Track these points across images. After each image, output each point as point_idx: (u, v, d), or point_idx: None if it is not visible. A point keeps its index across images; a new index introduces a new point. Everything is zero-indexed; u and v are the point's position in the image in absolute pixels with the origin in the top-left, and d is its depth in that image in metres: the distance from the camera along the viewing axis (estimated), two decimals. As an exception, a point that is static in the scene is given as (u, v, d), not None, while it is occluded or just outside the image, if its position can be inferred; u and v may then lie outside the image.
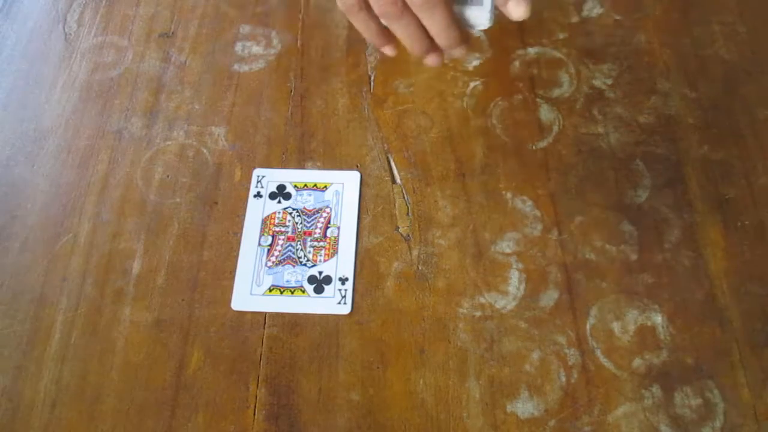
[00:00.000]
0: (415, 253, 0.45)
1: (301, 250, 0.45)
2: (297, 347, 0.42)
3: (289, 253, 0.45)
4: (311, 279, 0.44)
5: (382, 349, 0.42)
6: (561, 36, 0.54)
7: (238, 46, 0.55)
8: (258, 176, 0.48)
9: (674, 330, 0.42)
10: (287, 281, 0.44)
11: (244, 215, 0.47)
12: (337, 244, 0.45)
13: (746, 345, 0.42)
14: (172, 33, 0.56)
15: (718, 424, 0.39)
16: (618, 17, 0.55)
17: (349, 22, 0.55)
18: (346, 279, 0.44)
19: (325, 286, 0.44)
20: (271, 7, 0.57)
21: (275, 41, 0.55)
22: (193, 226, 0.47)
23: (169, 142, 0.50)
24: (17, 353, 0.42)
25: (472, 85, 0.52)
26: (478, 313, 0.43)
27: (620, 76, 0.52)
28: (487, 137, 0.50)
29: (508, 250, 0.45)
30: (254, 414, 0.40)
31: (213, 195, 0.48)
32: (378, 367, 0.42)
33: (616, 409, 0.40)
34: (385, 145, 0.50)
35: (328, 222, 0.46)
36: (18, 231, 0.47)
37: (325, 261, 0.45)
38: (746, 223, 0.46)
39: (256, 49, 0.54)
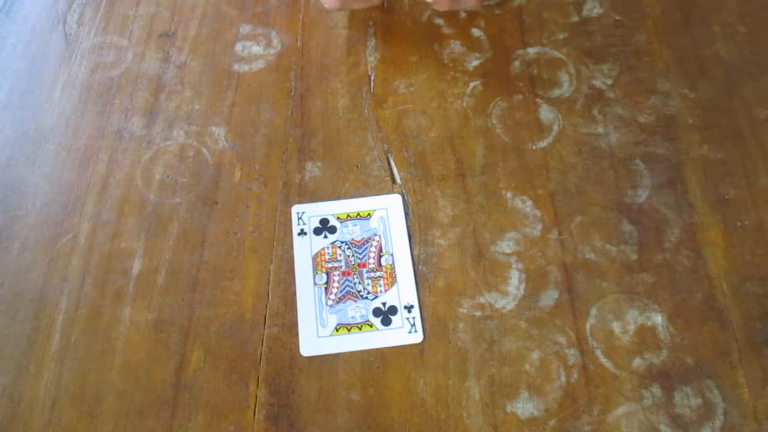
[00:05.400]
0: (415, 253, 0.45)
1: (359, 283, 0.44)
2: (297, 347, 0.42)
3: (348, 288, 0.44)
4: (376, 311, 0.43)
5: (382, 349, 0.42)
6: (561, 36, 0.54)
7: (238, 46, 0.55)
8: (298, 213, 0.46)
9: (674, 330, 0.42)
10: (352, 317, 0.43)
11: (245, 215, 0.47)
12: (395, 272, 0.44)
13: (746, 345, 0.42)
14: (172, 33, 0.56)
15: (718, 424, 0.39)
16: (618, 17, 0.55)
17: (349, 22, 0.56)
18: (412, 306, 0.43)
19: (392, 317, 0.43)
20: (271, 7, 0.57)
21: (275, 41, 0.55)
22: (193, 226, 0.47)
23: (169, 142, 0.50)
24: (17, 353, 0.42)
25: (472, 85, 0.52)
26: (478, 313, 0.43)
27: (620, 76, 0.52)
28: (487, 137, 0.50)
29: (508, 250, 0.45)
30: (254, 414, 0.40)
31: (213, 195, 0.48)
32: (378, 367, 0.42)
33: (615, 408, 0.40)
34: (385, 145, 0.50)
35: (380, 250, 0.45)
36: (18, 231, 0.47)
37: (386, 291, 0.44)
38: (746, 223, 0.46)
39: (256, 49, 0.55)
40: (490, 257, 0.45)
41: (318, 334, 0.42)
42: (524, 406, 0.40)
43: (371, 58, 0.54)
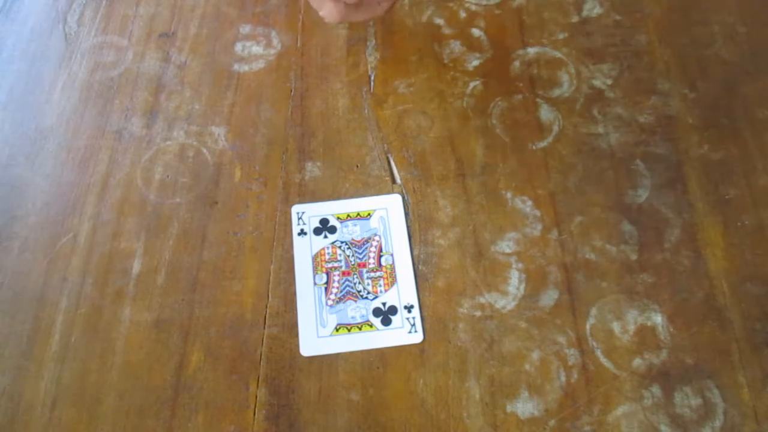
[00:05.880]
0: (415, 253, 0.45)
1: (359, 283, 0.44)
2: (297, 347, 0.42)
3: (348, 288, 0.44)
4: (376, 311, 0.43)
5: (382, 349, 0.42)
6: (561, 36, 0.54)
7: (238, 46, 0.55)
8: (298, 213, 0.46)
9: (674, 330, 0.42)
10: (352, 318, 0.43)
11: (245, 215, 0.47)
12: (395, 272, 0.44)
13: (746, 345, 0.42)
14: (172, 33, 0.56)
15: (718, 424, 0.39)
16: (618, 17, 0.55)
17: (350, 23, 0.56)
18: (412, 306, 0.43)
19: (392, 317, 0.43)
20: (271, 7, 0.57)
21: (275, 41, 0.55)
22: (193, 226, 0.47)
23: (169, 142, 0.50)
24: (17, 353, 0.42)
25: (472, 85, 0.52)
26: (478, 313, 0.43)
27: (620, 76, 0.52)
28: (487, 137, 0.50)
29: (508, 250, 0.45)
30: (254, 414, 0.40)
31: (213, 195, 0.48)
32: (378, 367, 0.42)
33: (615, 409, 0.40)
34: (385, 145, 0.50)
35: (380, 250, 0.45)
36: (18, 231, 0.47)
37: (386, 291, 0.44)
38: (746, 223, 0.46)
39: (256, 49, 0.54)
40: (490, 257, 0.45)
41: (318, 334, 0.42)
42: (524, 406, 0.40)
43: (371, 58, 0.54)
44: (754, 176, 0.48)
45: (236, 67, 0.54)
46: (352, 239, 0.45)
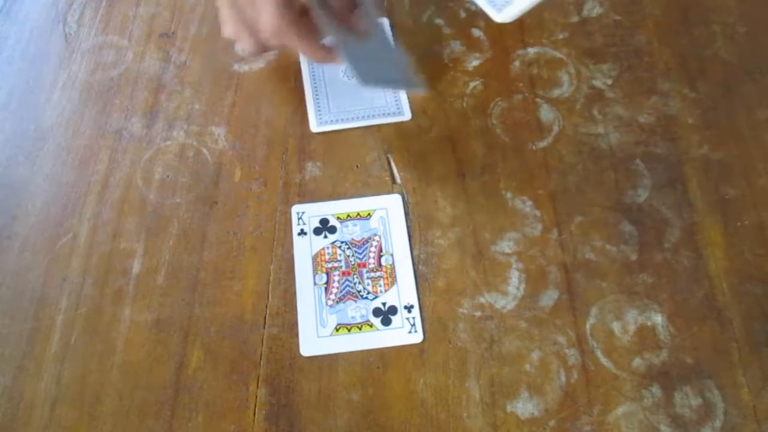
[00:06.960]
0: (415, 253, 0.45)
1: (359, 283, 0.44)
2: (297, 347, 0.42)
3: (348, 288, 0.44)
4: (376, 311, 0.43)
5: (382, 349, 0.42)
6: (561, 36, 0.54)
7: (239, 46, 0.55)
8: (298, 213, 0.46)
9: (674, 330, 0.42)
10: (352, 318, 0.43)
11: (245, 215, 0.47)
12: (395, 272, 0.44)
13: (746, 345, 0.42)
14: (172, 33, 0.56)
15: (718, 424, 0.39)
16: (618, 17, 0.55)
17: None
18: (412, 306, 0.43)
19: (392, 317, 0.43)
20: (271, 7, 0.57)
21: (275, 41, 0.55)
22: (193, 226, 0.47)
23: (169, 142, 0.50)
24: (17, 353, 0.42)
25: (472, 85, 0.52)
26: (478, 313, 0.43)
27: (620, 76, 0.52)
28: (487, 137, 0.50)
29: (508, 250, 0.45)
30: (254, 414, 0.40)
31: (213, 195, 0.48)
32: (378, 367, 0.42)
33: (615, 408, 0.40)
34: (385, 145, 0.50)
35: (380, 250, 0.45)
36: (18, 231, 0.47)
37: (386, 291, 0.44)
38: (746, 223, 0.46)
39: (256, 49, 0.54)
40: (490, 257, 0.45)
41: (318, 334, 0.42)
42: (524, 406, 0.40)
43: (371, 58, 0.54)
44: (754, 176, 0.48)
45: (236, 67, 0.54)
46: (352, 239, 0.45)
